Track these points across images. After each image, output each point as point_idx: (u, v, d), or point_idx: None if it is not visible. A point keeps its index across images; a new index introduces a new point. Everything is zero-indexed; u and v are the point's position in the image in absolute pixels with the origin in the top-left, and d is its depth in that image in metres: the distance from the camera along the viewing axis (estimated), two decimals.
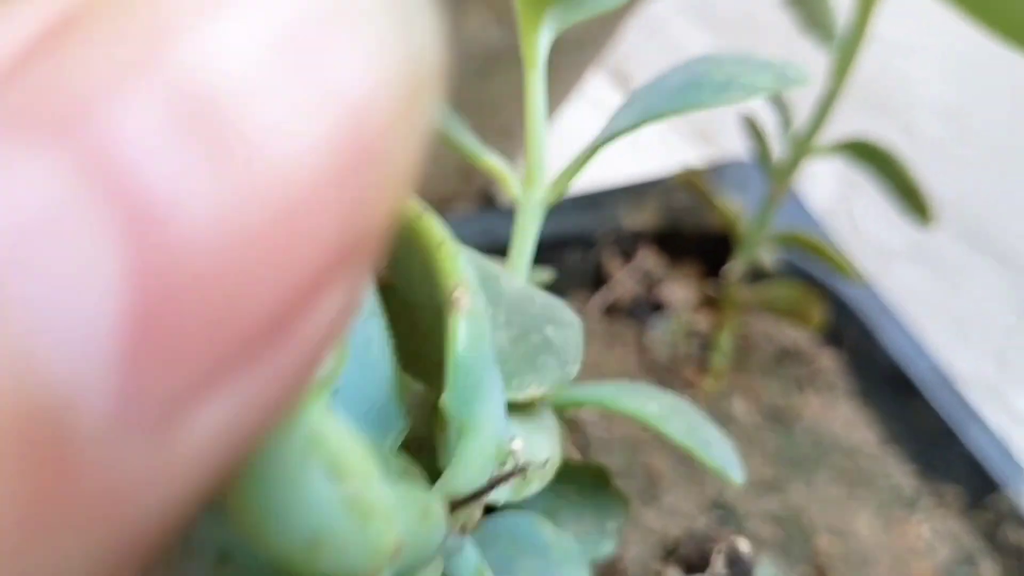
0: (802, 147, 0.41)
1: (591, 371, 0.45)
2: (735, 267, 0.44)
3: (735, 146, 0.72)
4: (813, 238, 0.42)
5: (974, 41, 0.33)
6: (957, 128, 0.61)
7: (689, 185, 0.43)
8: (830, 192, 0.66)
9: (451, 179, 0.53)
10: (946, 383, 0.48)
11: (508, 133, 0.52)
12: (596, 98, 0.67)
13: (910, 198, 0.38)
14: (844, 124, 0.44)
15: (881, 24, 0.37)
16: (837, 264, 0.41)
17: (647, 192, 0.48)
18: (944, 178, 0.60)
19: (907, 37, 0.62)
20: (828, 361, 0.50)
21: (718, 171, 0.51)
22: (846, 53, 0.37)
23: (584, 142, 0.26)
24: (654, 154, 0.66)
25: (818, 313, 0.43)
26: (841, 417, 0.49)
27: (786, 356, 0.49)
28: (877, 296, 0.50)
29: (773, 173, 0.42)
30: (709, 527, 0.42)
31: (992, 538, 0.45)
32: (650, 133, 0.67)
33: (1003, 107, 0.59)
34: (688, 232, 0.48)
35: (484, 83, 0.46)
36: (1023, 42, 0.31)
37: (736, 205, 0.50)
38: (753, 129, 0.41)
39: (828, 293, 0.49)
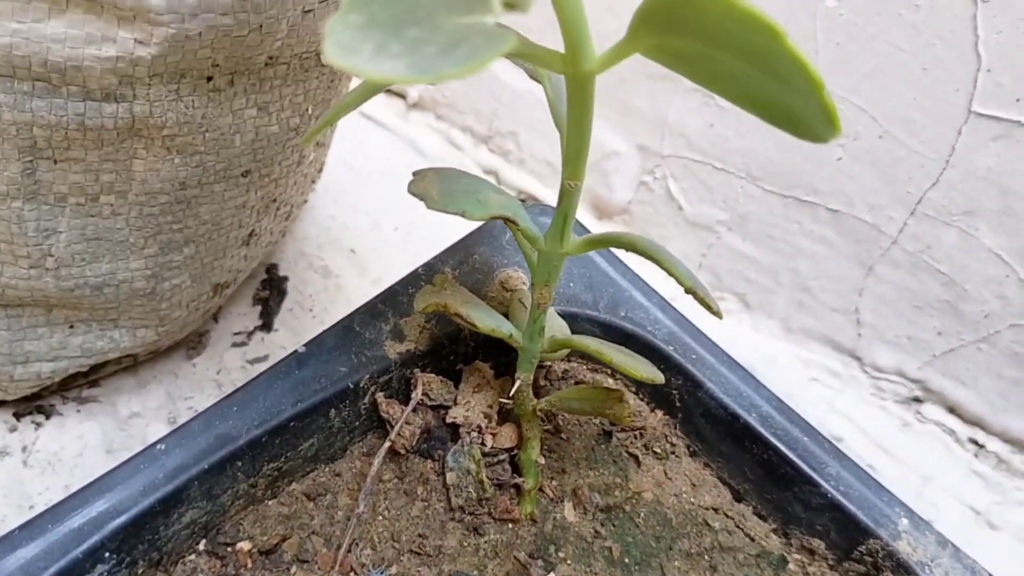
0: (554, 249, 0.34)
1: (392, 536, 0.39)
2: (522, 381, 0.38)
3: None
4: (591, 345, 0.35)
5: None
6: None
7: (442, 310, 0.36)
8: (636, 177, 0.60)
9: None
10: (794, 419, 0.42)
11: None
12: None
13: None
14: None
15: None
16: (621, 370, 0.35)
17: (399, 311, 0.41)
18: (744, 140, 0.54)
19: None
20: (660, 424, 0.44)
21: (489, 236, 0.44)
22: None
23: None
24: None
25: (627, 409, 0.37)
26: (686, 482, 0.43)
27: (609, 435, 0.43)
28: (697, 338, 0.44)
29: (534, 282, 0.35)
30: None
31: None
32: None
33: None
34: (463, 339, 0.42)
35: None
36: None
37: (513, 286, 0.43)
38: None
39: (646, 345, 0.44)
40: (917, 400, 0.55)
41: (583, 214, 0.62)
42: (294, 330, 0.54)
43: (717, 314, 0.34)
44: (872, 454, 0.54)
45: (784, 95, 0.26)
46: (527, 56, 0.31)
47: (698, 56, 0.28)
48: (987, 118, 0.47)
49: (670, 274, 0.33)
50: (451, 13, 0.23)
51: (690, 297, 0.35)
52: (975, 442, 0.54)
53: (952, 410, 0.55)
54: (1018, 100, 0.46)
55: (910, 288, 0.53)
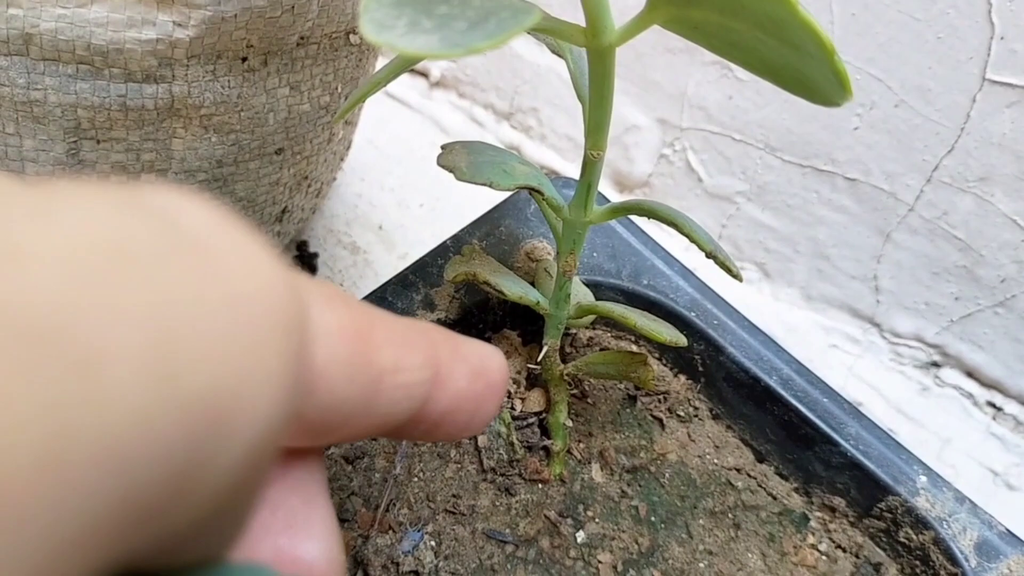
0: (578, 218, 0.35)
1: (427, 497, 0.40)
2: (549, 346, 0.39)
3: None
4: (615, 310, 0.37)
5: None
6: None
7: (471, 279, 0.38)
8: (656, 150, 0.61)
9: None
10: (813, 381, 0.44)
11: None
12: None
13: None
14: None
15: None
16: (645, 333, 0.36)
17: (429, 282, 0.42)
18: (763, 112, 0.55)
19: None
20: (683, 388, 0.45)
21: (514, 208, 0.46)
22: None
23: None
24: None
25: (651, 373, 0.38)
26: (709, 444, 0.45)
27: (633, 399, 0.45)
28: (718, 304, 0.45)
29: (559, 250, 0.37)
30: None
31: (893, 544, 0.42)
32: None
33: None
34: (491, 308, 0.43)
35: None
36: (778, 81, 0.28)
37: (538, 256, 0.44)
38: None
39: (669, 312, 0.45)
40: (935, 364, 0.56)
41: (605, 187, 0.64)
42: None
43: (737, 277, 0.35)
44: (892, 418, 0.55)
45: (798, 61, 0.27)
46: (550, 31, 0.33)
47: (715, 26, 0.29)
48: (1001, 85, 0.48)
49: (690, 239, 0.34)
50: None
51: (710, 265, 0.36)
52: (993, 405, 0.55)
53: (970, 374, 0.56)
54: None
55: (927, 254, 0.54)
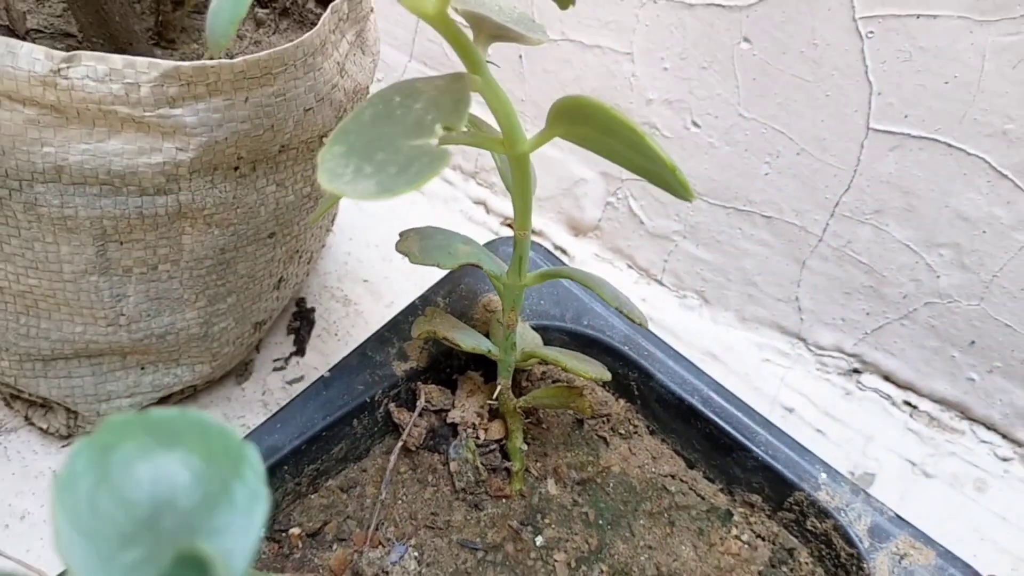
0: (514, 283, 0.44)
1: (410, 516, 0.48)
2: (502, 386, 0.47)
3: None
4: (550, 354, 0.45)
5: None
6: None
7: (433, 335, 0.46)
8: (602, 198, 0.69)
9: None
10: (729, 398, 0.52)
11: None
12: None
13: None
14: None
15: None
16: (573, 372, 0.44)
17: (402, 337, 0.51)
18: (696, 162, 0.63)
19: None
20: (623, 410, 0.54)
21: (473, 268, 0.54)
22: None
23: None
24: None
25: (587, 402, 0.47)
26: (647, 456, 0.53)
27: (581, 422, 0.53)
28: (648, 338, 0.53)
29: (503, 308, 0.45)
30: None
31: (802, 532, 0.50)
32: None
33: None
34: (456, 355, 0.51)
35: None
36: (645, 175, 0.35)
37: (493, 308, 0.53)
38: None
39: (606, 348, 0.53)
40: (856, 371, 0.65)
41: (561, 232, 0.72)
42: (323, 352, 0.64)
43: (643, 325, 0.43)
44: (820, 421, 0.63)
45: (657, 170, 0.35)
46: (475, 144, 0.41)
47: (597, 141, 0.37)
48: (883, 133, 0.56)
49: (600, 297, 0.42)
50: (406, 138, 0.33)
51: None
52: (909, 404, 0.63)
53: (887, 378, 0.64)
54: (906, 116, 0.55)
55: (839, 277, 0.62)
